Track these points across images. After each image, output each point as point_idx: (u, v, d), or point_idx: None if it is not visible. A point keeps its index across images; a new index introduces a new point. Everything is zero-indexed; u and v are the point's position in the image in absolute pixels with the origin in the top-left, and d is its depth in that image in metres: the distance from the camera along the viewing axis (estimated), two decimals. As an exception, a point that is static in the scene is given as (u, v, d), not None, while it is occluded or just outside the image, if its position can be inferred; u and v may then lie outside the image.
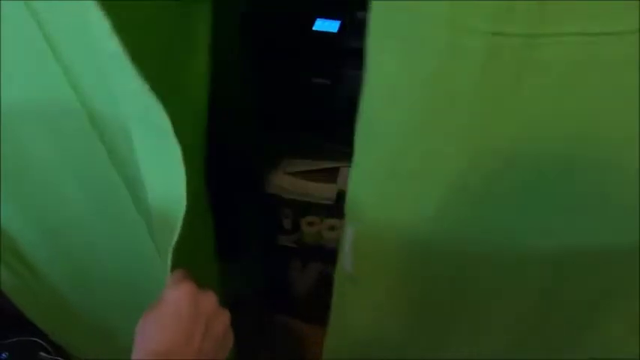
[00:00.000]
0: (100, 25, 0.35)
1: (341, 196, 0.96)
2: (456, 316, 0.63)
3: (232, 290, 0.81)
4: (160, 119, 0.39)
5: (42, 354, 0.72)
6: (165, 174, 0.44)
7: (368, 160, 0.50)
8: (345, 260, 0.61)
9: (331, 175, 0.97)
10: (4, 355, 0.69)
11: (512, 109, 0.40)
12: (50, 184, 0.56)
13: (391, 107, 0.45)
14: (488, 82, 0.39)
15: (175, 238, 0.44)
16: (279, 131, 0.95)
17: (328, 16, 0.75)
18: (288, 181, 0.99)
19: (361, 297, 0.65)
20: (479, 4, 0.34)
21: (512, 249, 0.51)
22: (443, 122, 0.43)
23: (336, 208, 0.99)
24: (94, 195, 0.57)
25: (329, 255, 1.11)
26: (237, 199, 1.02)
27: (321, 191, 0.98)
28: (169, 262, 0.45)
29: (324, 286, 1.23)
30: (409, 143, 0.46)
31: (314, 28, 0.75)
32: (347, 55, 0.75)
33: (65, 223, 0.60)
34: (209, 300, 0.42)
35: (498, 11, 0.34)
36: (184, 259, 0.46)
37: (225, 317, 0.44)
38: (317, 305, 1.24)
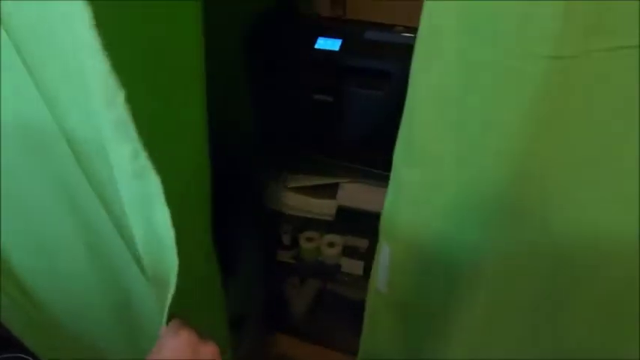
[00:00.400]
0: (104, 94, 0.35)
1: (340, 211, 0.96)
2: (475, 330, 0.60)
3: (230, 306, 0.81)
4: (152, 184, 0.39)
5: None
6: (155, 235, 0.43)
7: (408, 179, 0.50)
8: (380, 281, 0.60)
9: (331, 190, 0.97)
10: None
11: (564, 127, 0.40)
12: (44, 212, 0.55)
13: (438, 124, 0.44)
14: (544, 103, 0.38)
15: (170, 298, 0.43)
16: (280, 146, 0.96)
17: (330, 34, 0.77)
18: (288, 196, 0.99)
19: (393, 316, 0.64)
20: (539, 28, 0.35)
21: (541, 267, 0.50)
22: (490, 142, 0.43)
23: (335, 223, 0.99)
24: (85, 223, 0.56)
25: (327, 271, 1.10)
26: (237, 213, 1.02)
27: (320, 207, 0.98)
28: (166, 315, 0.44)
29: (322, 303, 1.22)
30: (454, 162, 0.46)
31: (316, 47, 0.77)
32: (348, 72, 0.77)
33: (61, 252, 0.59)
34: (209, 350, 0.42)
35: (557, 35, 0.34)
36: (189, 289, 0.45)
37: None
38: (314, 323, 1.23)
